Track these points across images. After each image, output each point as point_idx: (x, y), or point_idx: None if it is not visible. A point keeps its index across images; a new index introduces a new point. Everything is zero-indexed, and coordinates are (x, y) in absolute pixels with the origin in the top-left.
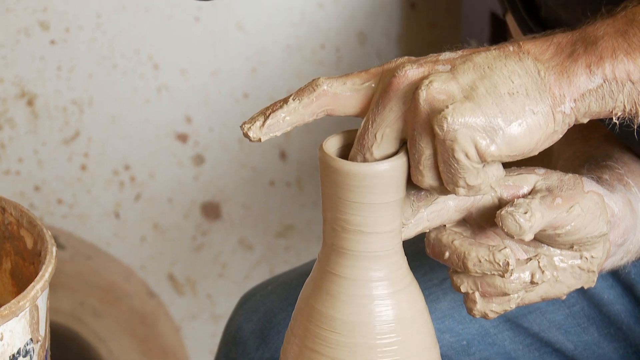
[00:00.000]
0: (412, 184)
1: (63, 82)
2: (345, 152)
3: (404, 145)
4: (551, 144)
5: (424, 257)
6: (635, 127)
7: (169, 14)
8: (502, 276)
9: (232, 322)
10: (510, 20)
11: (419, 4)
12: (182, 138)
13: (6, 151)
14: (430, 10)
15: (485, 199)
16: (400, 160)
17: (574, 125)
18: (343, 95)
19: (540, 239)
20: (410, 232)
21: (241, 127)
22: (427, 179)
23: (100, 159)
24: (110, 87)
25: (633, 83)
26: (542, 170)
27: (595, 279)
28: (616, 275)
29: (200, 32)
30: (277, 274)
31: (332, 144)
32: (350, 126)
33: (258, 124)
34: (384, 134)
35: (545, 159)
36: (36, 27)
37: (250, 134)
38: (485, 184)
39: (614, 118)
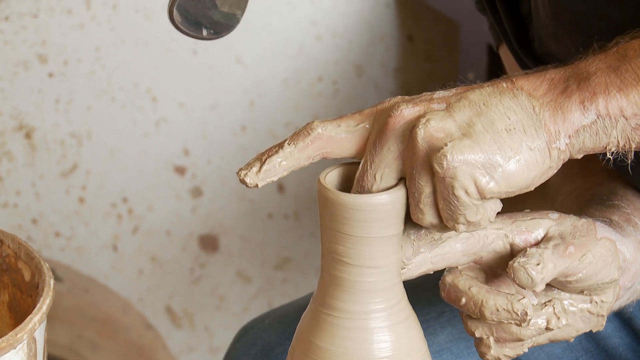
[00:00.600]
0: (411, 223)
1: (61, 115)
2: (343, 185)
3: (402, 180)
4: (546, 180)
5: (421, 290)
6: (629, 162)
7: (167, 47)
8: (519, 325)
9: (229, 355)
10: (503, 53)
11: (416, 36)
12: (180, 171)
13: (4, 184)
14: (427, 42)
15: (496, 243)
16: (398, 193)
17: (572, 159)
18: (338, 138)
19: (551, 284)
20: (412, 273)
21: (238, 173)
22: (428, 216)
23: (98, 192)
24: (109, 120)
25: (626, 119)
26: (555, 215)
27: (604, 323)
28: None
29: (199, 66)
30: (275, 306)
31: (330, 177)
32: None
33: (254, 169)
34: (383, 174)
35: (541, 193)
36: (34, 60)
37: (247, 180)
38: (484, 220)
39: (607, 153)
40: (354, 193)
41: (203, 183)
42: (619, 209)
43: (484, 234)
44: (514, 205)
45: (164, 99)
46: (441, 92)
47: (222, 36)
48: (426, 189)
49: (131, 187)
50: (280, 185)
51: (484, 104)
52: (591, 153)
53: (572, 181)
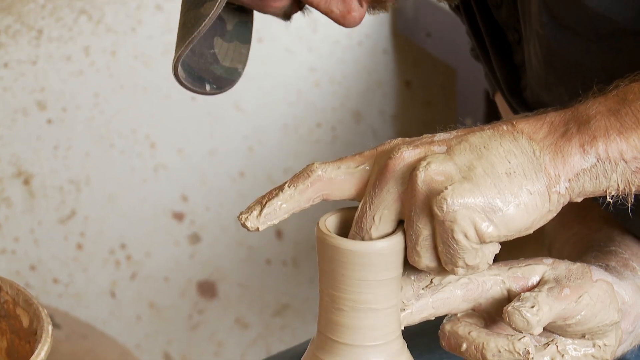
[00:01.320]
0: (411, 265)
1: (60, 161)
2: (342, 230)
3: (401, 224)
4: (545, 223)
5: (419, 337)
6: (630, 205)
7: (166, 94)
8: None
9: None
10: (499, 100)
11: (414, 82)
12: (179, 217)
13: (2, 230)
14: (425, 88)
15: (494, 290)
16: (397, 239)
17: (569, 205)
18: (338, 179)
19: (551, 329)
20: (415, 319)
21: (238, 217)
22: (424, 259)
23: (96, 238)
24: (107, 166)
25: (626, 162)
26: (549, 260)
27: None
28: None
29: (197, 112)
30: (274, 352)
31: (330, 222)
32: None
33: (255, 213)
34: (382, 216)
35: (539, 240)
36: (33, 107)
37: (248, 223)
38: (483, 263)
39: (608, 197)
40: (352, 235)
41: (201, 229)
42: (616, 255)
43: (483, 280)
44: (512, 251)
45: (162, 145)
46: (442, 134)
47: (224, 91)
48: (424, 232)
49: (129, 233)
50: (278, 232)
51: (484, 147)
52: (591, 197)
53: (569, 228)
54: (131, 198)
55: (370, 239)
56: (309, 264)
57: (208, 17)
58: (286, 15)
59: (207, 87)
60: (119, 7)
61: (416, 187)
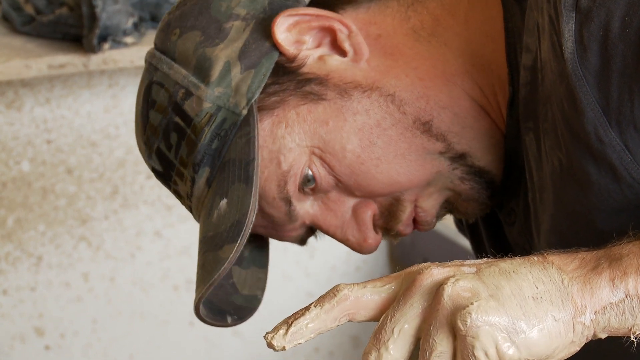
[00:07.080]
0: None
1: None
2: None
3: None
4: (567, 356)
5: None
6: None
7: (163, 319)
8: None
9: None
10: None
11: None
12: None
13: None
14: None
15: None
16: None
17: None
18: (364, 299)
19: None
20: None
21: (265, 337)
22: None
23: None
24: None
25: None
26: None
27: None
28: None
29: (195, 337)
30: None
31: None
32: None
33: (281, 332)
34: (402, 329)
35: None
36: (31, 333)
37: (275, 342)
38: None
39: (632, 336)
40: (369, 347)
41: None
42: None
43: None
44: None
45: None
46: (472, 260)
47: (245, 320)
48: (439, 347)
49: None
50: None
51: (513, 272)
52: (615, 334)
53: None
54: None
55: (387, 351)
56: None
57: (227, 261)
58: (302, 241)
59: (229, 320)
60: (119, 234)
61: (441, 301)
